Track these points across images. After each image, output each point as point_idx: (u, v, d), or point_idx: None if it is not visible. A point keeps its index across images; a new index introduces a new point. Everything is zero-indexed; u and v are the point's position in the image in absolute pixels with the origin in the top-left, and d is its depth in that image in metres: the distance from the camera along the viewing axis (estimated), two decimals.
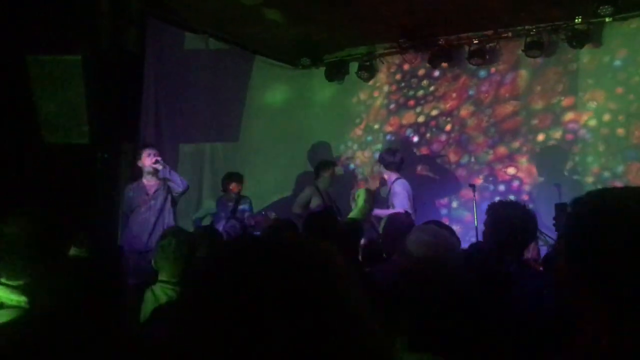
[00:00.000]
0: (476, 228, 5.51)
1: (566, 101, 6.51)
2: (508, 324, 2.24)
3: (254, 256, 0.74)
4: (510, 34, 6.54)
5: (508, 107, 6.82)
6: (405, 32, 6.68)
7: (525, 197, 6.44)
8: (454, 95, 7.13)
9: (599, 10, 5.78)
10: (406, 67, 7.29)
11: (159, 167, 4.86)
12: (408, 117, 7.42)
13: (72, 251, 3.52)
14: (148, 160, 4.87)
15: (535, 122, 6.64)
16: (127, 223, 4.92)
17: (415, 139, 7.34)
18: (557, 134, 6.53)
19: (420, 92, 7.37)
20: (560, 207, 3.02)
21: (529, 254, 4.19)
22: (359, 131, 7.73)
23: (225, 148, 6.69)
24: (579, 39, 6.08)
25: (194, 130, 6.30)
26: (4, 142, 4.29)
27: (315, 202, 5.99)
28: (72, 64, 4.76)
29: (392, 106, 7.54)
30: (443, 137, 7.18)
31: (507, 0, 5.71)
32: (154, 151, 4.95)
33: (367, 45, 7.37)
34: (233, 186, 5.89)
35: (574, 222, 1.10)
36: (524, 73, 6.73)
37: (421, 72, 7.34)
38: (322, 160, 6.55)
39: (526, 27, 6.30)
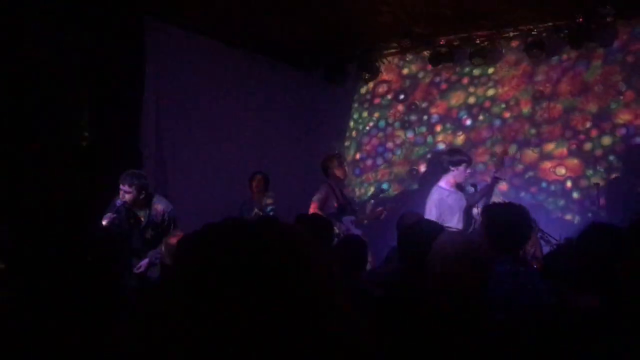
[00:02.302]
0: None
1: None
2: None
3: (224, 235, 0.77)
4: (511, 34, 6.74)
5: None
6: (406, 33, 6.77)
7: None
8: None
9: (600, 10, 5.93)
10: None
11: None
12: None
13: None
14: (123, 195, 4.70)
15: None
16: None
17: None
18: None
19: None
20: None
21: (532, 252, 4.19)
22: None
23: (230, 151, 6.67)
24: (580, 39, 6.27)
25: (195, 133, 6.32)
26: (3, 143, 4.43)
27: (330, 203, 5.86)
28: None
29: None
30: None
31: (507, 0, 5.84)
32: (126, 188, 4.66)
33: (367, 45, 7.32)
34: (253, 185, 6.07)
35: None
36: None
37: None
38: (324, 157, 6.39)
39: (527, 26, 6.52)
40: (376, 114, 7.71)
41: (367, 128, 7.76)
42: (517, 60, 6.89)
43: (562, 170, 6.55)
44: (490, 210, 3.05)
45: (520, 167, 6.76)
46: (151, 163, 5.76)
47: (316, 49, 7.25)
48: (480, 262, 2.16)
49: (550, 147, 6.63)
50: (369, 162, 7.70)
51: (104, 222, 4.54)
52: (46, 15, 4.63)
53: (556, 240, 5.05)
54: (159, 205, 4.90)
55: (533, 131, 6.75)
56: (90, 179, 4.89)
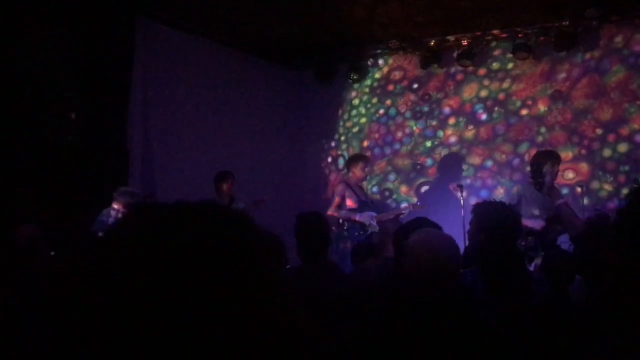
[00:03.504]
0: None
1: None
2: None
3: (167, 218, 0.73)
4: (499, 37, 6.89)
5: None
6: (395, 34, 6.91)
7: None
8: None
9: (585, 14, 6.07)
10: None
11: None
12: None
13: None
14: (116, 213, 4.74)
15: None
16: None
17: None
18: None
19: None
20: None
21: None
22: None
23: (219, 150, 6.63)
24: (566, 42, 6.42)
25: (184, 131, 6.31)
26: None
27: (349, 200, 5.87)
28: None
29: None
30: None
31: (495, 3, 5.96)
32: (121, 207, 4.68)
33: (357, 46, 7.35)
34: (225, 186, 5.96)
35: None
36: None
37: None
38: (353, 155, 6.47)
39: (514, 29, 6.67)
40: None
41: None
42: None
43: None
44: (480, 208, 3.09)
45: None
46: (138, 161, 5.78)
47: (306, 49, 7.33)
48: (450, 255, 2.23)
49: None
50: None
51: None
52: (36, 13, 4.68)
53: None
54: None
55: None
56: (76, 176, 4.92)
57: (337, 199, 5.88)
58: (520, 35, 6.64)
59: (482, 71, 7.13)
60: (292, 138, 7.82)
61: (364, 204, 5.92)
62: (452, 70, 7.29)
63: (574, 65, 6.63)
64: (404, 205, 6.18)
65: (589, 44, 6.45)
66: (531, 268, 4.67)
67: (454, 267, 2.21)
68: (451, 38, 7.00)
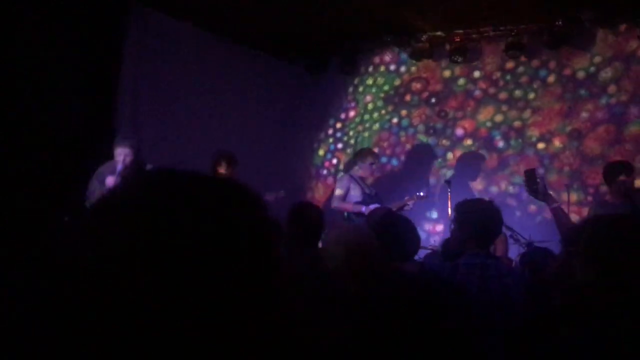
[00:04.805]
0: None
1: None
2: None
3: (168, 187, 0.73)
4: (492, 34, 7.00)
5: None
6: (387, 28, 7.03)
7: None
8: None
9: (579, 15, 6.24)
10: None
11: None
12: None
13: None
14: (124, 158, 4.80)
15: None
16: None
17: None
18: None
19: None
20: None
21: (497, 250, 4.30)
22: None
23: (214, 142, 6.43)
24: (559, 42, 6.60)
25: (175, 125, 6.26)
26: None
27: (354, 192, 5.86)
28: None
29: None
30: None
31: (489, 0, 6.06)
32: (127, 150, 4.79)
33: (349, 40, 7.38)
34: (222, 168, 5.52)
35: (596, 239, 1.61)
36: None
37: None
38: (362, 148, 6.47)
39: (507, 27, 6.82)
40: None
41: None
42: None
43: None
44: (462, 206, 3.11)
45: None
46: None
47: (299, 41, 7.35)
48: (366, 247, 2.57)
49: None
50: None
51: (108, 183, 4.64)
52: (30, 5, 4.70)
53: (525, 239, 5.20)
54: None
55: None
56: (62, 165, 4.93)
57: (340, 192, 5.85)
58: (513, 33, 6.73)
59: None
60: (283, 129, 7.84)
61: (369, 196, 5.89)
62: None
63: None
64: (407, 197, 6.08)
65: (581, 45, 6.54)
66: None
67: (353, 262, 2.46)
68: (443, 34, 7.10)
